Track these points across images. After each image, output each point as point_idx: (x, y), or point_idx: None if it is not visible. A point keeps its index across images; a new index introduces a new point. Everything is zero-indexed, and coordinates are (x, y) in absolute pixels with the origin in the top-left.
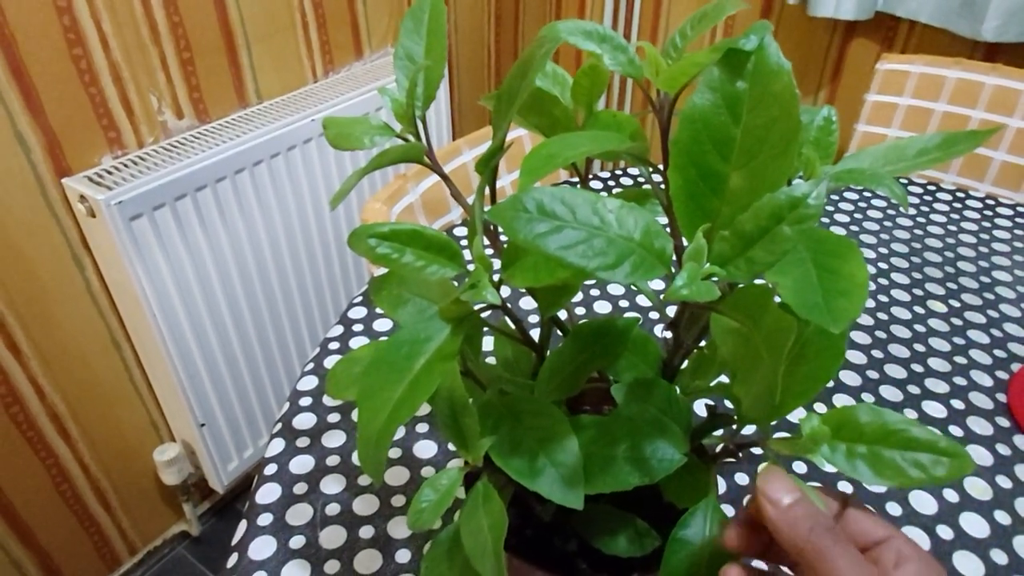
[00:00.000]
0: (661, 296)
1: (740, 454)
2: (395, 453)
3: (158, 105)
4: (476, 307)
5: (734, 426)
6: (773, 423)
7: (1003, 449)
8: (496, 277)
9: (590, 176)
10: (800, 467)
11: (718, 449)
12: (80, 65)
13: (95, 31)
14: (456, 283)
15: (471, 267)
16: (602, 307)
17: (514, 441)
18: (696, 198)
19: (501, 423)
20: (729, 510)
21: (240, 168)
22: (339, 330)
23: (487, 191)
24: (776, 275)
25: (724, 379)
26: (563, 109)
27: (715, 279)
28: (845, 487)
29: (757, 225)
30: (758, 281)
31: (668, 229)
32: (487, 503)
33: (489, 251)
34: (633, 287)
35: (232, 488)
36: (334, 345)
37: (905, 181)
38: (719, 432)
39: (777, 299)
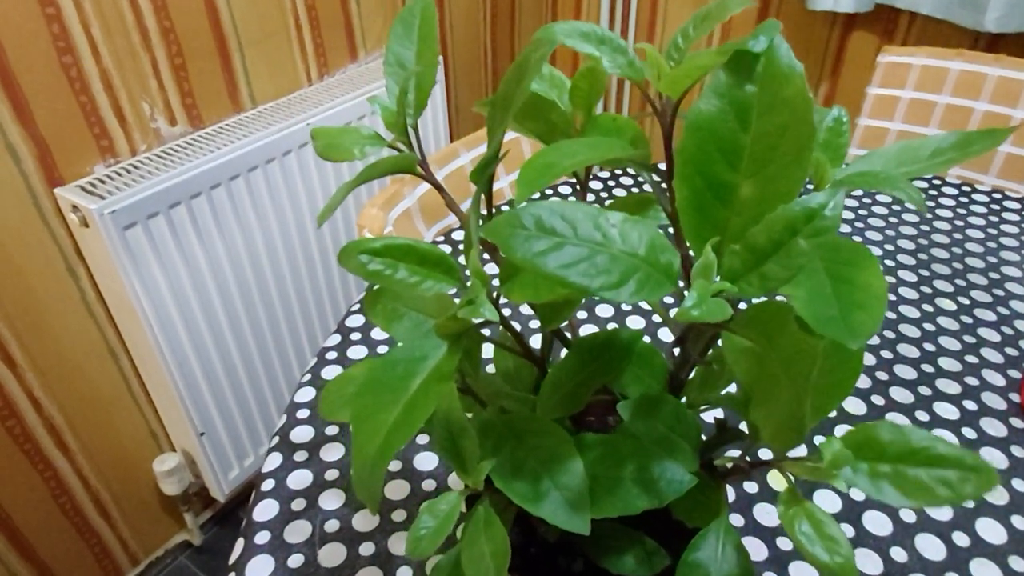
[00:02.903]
0: (671, 313)
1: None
2: (395, 466)
3: (150, 112)
4: (475, 322)
5: (747, 445)
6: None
7: (1018, 451)
8: (495, 290)
9: (589, 178)
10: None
11: (729, 466)
12: (70, 73)
13: (85, 38)
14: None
15: (468, 280)
16: (604, 310)
17: (516, 463)
18: (704, 210)
19: (502, 444)
20: (738, 520)
21: (235, 174)
22: (336, 339)
23: (483, 201)
24: (788, 287)
25: (732, 389)
26: (560, 114)
27: (725, 296)
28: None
29: (770, 238)
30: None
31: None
32: (488, 529)
33: (489, 260)
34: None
35: (234, 497)
36: (331, 355)
37: None
38: (733, 452)
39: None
